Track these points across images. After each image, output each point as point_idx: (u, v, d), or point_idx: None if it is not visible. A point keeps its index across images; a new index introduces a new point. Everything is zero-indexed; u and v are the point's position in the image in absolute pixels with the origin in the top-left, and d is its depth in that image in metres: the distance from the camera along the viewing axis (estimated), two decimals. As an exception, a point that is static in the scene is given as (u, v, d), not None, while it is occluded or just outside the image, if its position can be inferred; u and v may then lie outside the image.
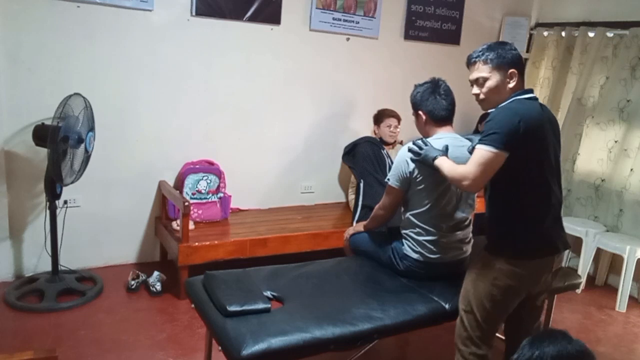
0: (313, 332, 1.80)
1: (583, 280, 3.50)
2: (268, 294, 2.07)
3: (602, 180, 3.84)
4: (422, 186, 2.23)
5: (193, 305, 2.07)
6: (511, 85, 1.92)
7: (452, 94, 2.38)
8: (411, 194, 2.28)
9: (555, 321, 3.02)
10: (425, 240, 2.28)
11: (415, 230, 2.30)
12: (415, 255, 2.29)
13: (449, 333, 2.88)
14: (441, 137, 2.32)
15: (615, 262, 3.75)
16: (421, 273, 2.31)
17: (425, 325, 2.13)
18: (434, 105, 2.31)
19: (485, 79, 1.97)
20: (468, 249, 2.39)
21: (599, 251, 3.64)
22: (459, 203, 2.29)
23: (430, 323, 2.13)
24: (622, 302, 3.42)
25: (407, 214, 2.33)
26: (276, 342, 1.73)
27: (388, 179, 2.36)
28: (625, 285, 3.42)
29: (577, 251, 3.86)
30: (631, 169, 3.64)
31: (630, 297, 3.48)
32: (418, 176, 2.23)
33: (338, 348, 1.87)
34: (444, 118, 2.34)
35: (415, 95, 2.35)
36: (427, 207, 2.25)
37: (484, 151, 1.77)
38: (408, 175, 2.25)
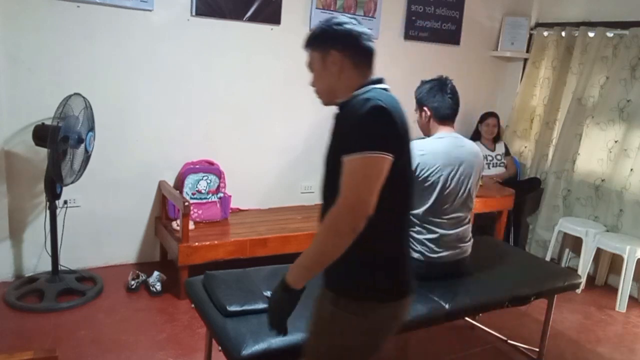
0: (313, 332, 1.80)
1: (583, 280, 3.50)
2: (268, 294, 2.06)
3: (602, 180, 3.84)
4: (430, 181, 2.24)
5: (193, 305, 2.07)
6: None
7: (457, 94, 2.39)
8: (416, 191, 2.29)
9: (555, 321, 3.02)
10: (425, 239, 2.28)
11: (415, 230, 2.30)
12: (415, 255, 2.29)
13: (449, 333, 2.89)
14: (443, 137, 2.34)
15: (615, 262, 3.75)
16: (421, 272, 2.30)
17: (425, 325, 2.13)
18: (440, 102, 2.32)
19: None
20: (468, 248, 2.40)
21: (599, 251, 3.64)
22: (459, 202, 2.30)
23: (430, 323, 2.13)
24: (622, 302, 3.42)
25: None
26: (276, 342, 1.72)
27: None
28: (625, 285, 3.42)
29: (577, 251, 3.87)
30: (631, 169, 3.64)
31: (630, 297, 3.48)
32: (424, 172, 2.23)
33: (338, 348, 1.86)
34: (448, 117, 2.36)
35: (421, 90, 2.35)
36: (429, 204, 2.25)
37: None
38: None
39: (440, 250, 2.28)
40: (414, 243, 2.30)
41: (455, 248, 2.33)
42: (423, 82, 2.39)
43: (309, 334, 1.53)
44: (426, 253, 2.28)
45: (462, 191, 2.30)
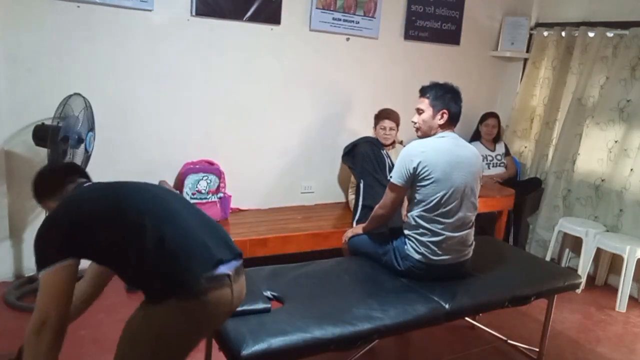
0: (313, 332, 1.80)
1: (583, 280, 3.50)
2: (268, 294, 2.07)
3: (602, 180, 3.84)
4: (432, 179, 2.23)
5: (193, 305, 2.07)
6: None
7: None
8: (418, 190, 2.28)
9: (555, 321, 3.02)
10: (428, 241, 2.28)
11: (418, 231, 2.30)
12: (417, 256, 2.29)
13: (449, 333, 2.89)
14: (444, 136, 2.36)
15: (615, 262, 3.75)
16: (421, 274, 2.31)
17: (425, 325, 2.13)
18: (457, 109, 2.41)
19: None
20: (470, 251, 2.40)
21: (599, 251, 3.64)
22: (463, 201, 2.29)
23: (430, 323, 2.13)
24: (622, 302, 3.43)
25: (411, 214, 2.33)
26: (276, 342, 1.73)
27: (391, 177, 2.36)
28: (625, 285, 3.42)
29: (577, 251, 3.87)
30: (631, 169, 3.64)
31: (630, 297, 3.48)
32: (425, 169, 2.23)
33: (338, 348, 1.87)
34: (456, 122, 2.44)
35: (443, 95, 2.38)
36: (433, 203, 2.25)
37: None
38: (412, 172, 2.26)
39: (442, 253, 2.28)
40: (416, 244, 2.30)
41: (458, 252, 2.33)
42: (438, 85, 2.41)
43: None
44: (428, 255, 2.28)
45: (466, 189, 2.29)
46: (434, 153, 2.27)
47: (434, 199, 2.25)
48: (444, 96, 2.36)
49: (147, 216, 1.55)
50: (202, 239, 1.58)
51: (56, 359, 1.52)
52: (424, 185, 2.26)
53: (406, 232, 2.36)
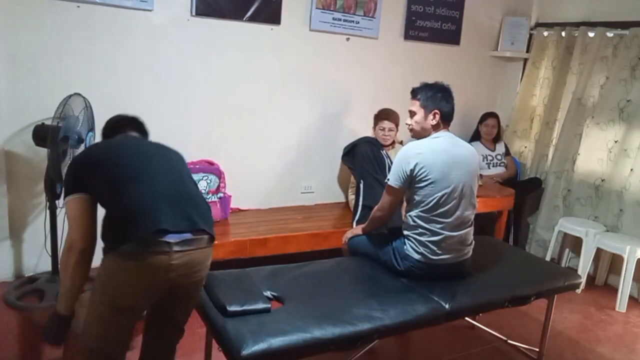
0: (313, 332, 1.80)
1: (583, 280, 3.50)
2: (268, 294, 2.07)
3: (602, 180, 3.84)
4: (430, 179, 2.23)
5: (193, 305, 2.07)
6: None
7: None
8: (416, 191, 2.28)
9: (555, 321, 3.02)
10: (427, 241, 2.28)
11: (417, 231, 2.30)
12: (417, 256, 2.29)
13: (449, 333, 2.89)
14: (439, 136, 2.35)
15: (615, 262, 3.75)
16: (421, 274, 2.31)
17: (426, 325, 2.14)
18: (449, 108, 2.38)
19: None
20: (469, 250, 2.40)
21: (599, 251, 3.64)
22: (461, 201, 2.29)
23: (430, 323, 2.13)
24: (622, 302, 3.43)
25: (410, 215, 2.33)
26: (276, 342, 1.73)
27: (388, 179, 2.36)
28: (625, 285, 3.42)
29: (577, 251, 3.87)
30: (631, 169, 3.64)
31: (630, 297, 3.48)
32: (423, 171, 2.23)
33: (338, 348, 1.87)
34: (451, 119, 2.41)
35: (432, 95, 2.36)
36: (432, 204, 2.25)
37: None
38: (409, 173, 2.26)
39: (442, 252, 2.28)
40: (416, 244, 2.30)
41: (457, 251, 2.33)
42: (428, 86, 2.40)
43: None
44: (427, 255, 2.28)
45: (464, 188, 2.29)
46: (430, 154, 2.26)
47: (433, 200, 2.25)
48: (435, 96, 2.35)
49: (124, 172, 1.76)
50: (157, 205, 1.69)
51: (83, 275, 1.76)
52: (422, 187, 2.25)
53: (405, 232, 2.36)
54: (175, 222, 1.68)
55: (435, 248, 2.27)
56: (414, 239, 2.31)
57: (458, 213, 2.29)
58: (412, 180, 2.27)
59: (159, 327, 1.92)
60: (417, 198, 2.29)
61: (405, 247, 2.33)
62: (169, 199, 1.72)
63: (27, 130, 2.85)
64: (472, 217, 2.39)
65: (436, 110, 2.34)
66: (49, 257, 2.96)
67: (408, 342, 2.84)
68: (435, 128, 2.37)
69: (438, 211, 2.26)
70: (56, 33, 2.93)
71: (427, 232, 2.28)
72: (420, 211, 2.28)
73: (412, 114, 2.40)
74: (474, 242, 2.42)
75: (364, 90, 3.98)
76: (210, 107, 3.45)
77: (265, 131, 3.68)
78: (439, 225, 2.27)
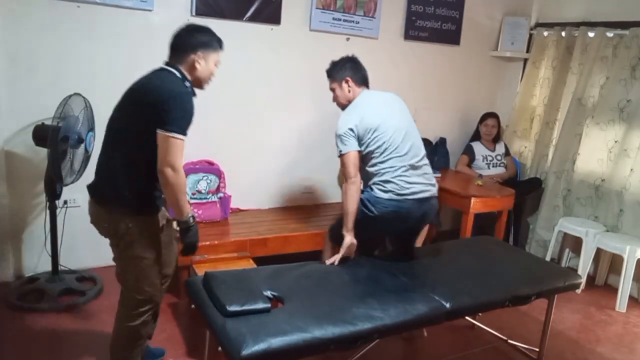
0: (313, 332, 1.80)
1: (583, 280, 3.50)
2: (268, 294, 2.07)
3: (602, 180, 3.84)
4: (372, 129, 2.41)
5: (193, 305, 2.07)
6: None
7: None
8: (368, 144, 2.43)
9: (555, 321, 3.02)
10: (392, 178, 2.41)
11: (380, 175, 2.43)
12: (386, 195, 2.40)
13: (449, 333, 2.89)
14: (364, 96, 2.56)
15: (615, 262, 3.76)
16: (393, 214, 2.40)
17: (426, 324, 2.14)
18: (357, 72, 2.59)
19: None
20: (432, 188, 2.50)
21: (599, 251, 3.64)
22: (406, 134, 2.46)
23: (430, 322, 2.14)
24: (622, 302, 3.43)
25: (368, 169, 2.47)
26: (276, 342, 1.73)
27: (340, 151, 2.46)
28: (625, 285, 3.42)
29: (577, 251, 3.87)
30: (631, 169, 3.64)
31: (630, 297, 3.48)
32: (363, 125, 2.41)
33: (338, 348, 1.87)
34: (366, 80, 2.62)
35: (339, 68, 2.58)
36: (383, 147, 2.41)
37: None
38: (353, 134, 2.43)
39: (407, 185, 2.41)
40: (382, 185, 2.44)
41: (423, 184, 2.46)
42: (334, 63, 2.62)
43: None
44: (396, 190, 2.42)
45: (401, 121, 2.48)
46: (360, 109, 2.47)
47: (382, 143, 2.40)
48: (342, 67, 2.57)
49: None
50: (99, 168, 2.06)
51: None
52: (370, 138, 2.41)
53: (369, 183, 2.47)
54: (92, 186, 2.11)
55: (400, 182, 2.40)
56: (380, 181, 2.43)
57: (408, 146, 2.43)
58: (359, 138, 2.42)
59: None
60: (370, 148, 2.42)
61: (373, 192, 2.44)
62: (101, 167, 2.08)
63: (27, 130, 2.85)
64: (422, 150, 2.52)
65: (347, 78, 2.56)
66: (49, 257, 2.96)
67: (408, 342, 2.84)
68: (355, 93, 2.57)
69: (390, 150, 2.41)
70: (56, 33, 2.93)
71: (389, 169, 2.41)
72: (377, 161, 2.43)
73: (332, 91, 2.63)
74: (436, 185, 2.55)
75: (364, 90, 3.98)
76: (210, 107, 3.45)
77: (265, 131, 3.68)
78: (396, 161, 2.41)
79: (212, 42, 2.05)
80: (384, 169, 2.42)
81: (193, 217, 2.04)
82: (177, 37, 2.03)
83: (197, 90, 3.47)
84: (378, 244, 2.70)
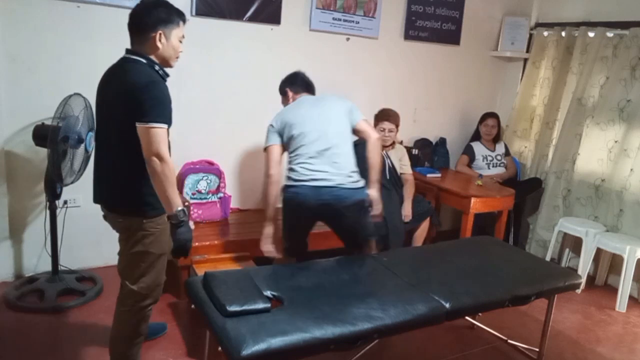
0: (313, 332, 1.80)
1: (583, 280, 3.50)
2: (268, 294, 2.07)
3: (602, 180, 3.84)
4: (291, 125, 2.54)
5: (193, 305, 2.07)
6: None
7: (308, 79, 2.83)
8: (289, 142, 2.57)
9: (555, 321, 3.02)
10: (295, 165, 2.51)
11: (289, 165, 2.55)
12: (288, 182, 2.51)
13: (449, 333, 2.89)
14: (297, 100, 2.70)
15: (615, 262, 3.76)
16: (294, 202, 2.48)
17: (426, 324, 2.13)
18: (293, 83, 2.80)
19: None
20: (338, 178, 2.48)
21: (599, 251, 3.64)
22: (317, 133, 2.52)
23: (430, 322, 2.13)
24: (622, 302, 3.43)
25: (286, 169, 2.59)
26: (276, 342, 1.73)
27: (267, 145, 2.60)
28: (625, 285, 3.42)
29: (577, 251, 3.87)
30: (631, 169, 3.64)
31: (630, 297, 3.48)
32: (282, 122, 2.58)
33: (338, 348, 1.87)
34: (301, 90, 2.77)
35: (283, 83, 2.84)
36: (296, 138, 2.53)
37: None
38: (277, 129, 2.59)
39: (312, 170, 2.47)
40: (289, 173, 2.53)
41: (323, 172, 2.47)
42: (282, 81, 2.86)
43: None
44: (294, 177, 2.50)
45: (321, 117, 2.56)
46: (285, 109, 2.68)
47: (294, 136, 2.53)
48: (284, 83, 2.84)
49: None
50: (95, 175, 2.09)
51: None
52: (288, 132, 2.55)
53: (287, 183, 2.56)
54: (96, 193, 2.15)
55: (300, 169, 2.47)
56: (288, 169, 2.55)
57: (317, 135, 2.49)
58: (279, 133, 2.58)
59: None
60: (285, 141, 2.57)
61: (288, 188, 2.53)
62: (97, 174, 2.15)
63: (27, 130, 2.85)
64: (341, 140, 2.55)
65: (285, 89, 2.80)
66: (49, 257, 2.96)
67: (408, 341, 2.83)
68: (295, 99, 2.75)
69: (299, 139, 2.51)
70: (56, 33, 2.93)
71: (295, 157, 2.53)
72: (290, 150, 2.56)
73: (283, 105, 2.82)
74: (354, 177, 2.54)
75: (364, 91, 3.98)
76: (210, 107, 3.45)
77: (265, 131, 3.67)
78: (303, 149, 2.50)
79: (172, 16, 1.95)
80: (292, 157, 2.55)
81: (184, 211, 1.95)
82: (134, 16, 1.93)
83: (197, 90, 3.47)
84: (298, 235, 2.71)
